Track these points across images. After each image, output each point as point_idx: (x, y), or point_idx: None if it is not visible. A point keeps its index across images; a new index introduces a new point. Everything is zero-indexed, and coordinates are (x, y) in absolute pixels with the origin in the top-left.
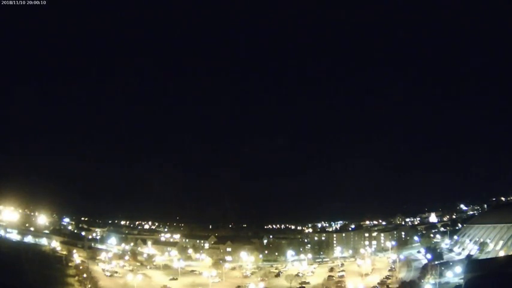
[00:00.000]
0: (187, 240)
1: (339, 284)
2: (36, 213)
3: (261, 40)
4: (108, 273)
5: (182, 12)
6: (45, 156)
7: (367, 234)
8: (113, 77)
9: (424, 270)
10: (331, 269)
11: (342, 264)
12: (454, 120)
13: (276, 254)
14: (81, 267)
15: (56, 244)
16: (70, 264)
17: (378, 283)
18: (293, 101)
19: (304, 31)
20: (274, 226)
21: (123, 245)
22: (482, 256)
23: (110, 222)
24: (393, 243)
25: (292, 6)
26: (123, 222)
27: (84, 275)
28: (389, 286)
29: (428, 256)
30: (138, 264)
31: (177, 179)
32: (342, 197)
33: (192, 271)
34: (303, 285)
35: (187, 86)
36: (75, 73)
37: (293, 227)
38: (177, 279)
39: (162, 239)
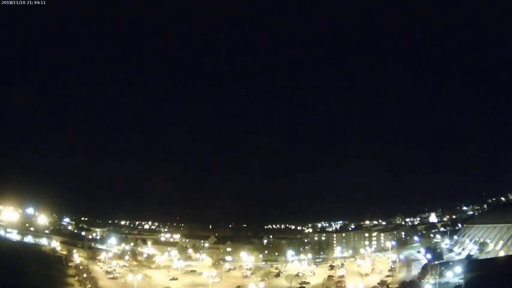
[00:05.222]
0: (187, 240)
1: (339, 284)
2: (36, 213)
3: (263, 41)
4: (108, 274)
5: (184, 12)
6: (45, 156)
7: (367, 234)
8: (113, 76)
9: (424, 270)
10: (331, 269)
11: (342, 264)
12: (454, 121)
13: (276, 254)
14: (81, 267)
15: (56, 244)
16: (70, 264)
17: (378, 283)
18: (293, 101)
19: (305, 32)
20: (274, 226)
21: (123, 245)
22: (482, 256)
23: (110, 222)
24: (393, 243)
25: (292, 7)
26: (123, 222)
27: (84, 275)
28: (389, 286)
29: (428, 256)
30: (138, 264)
31: (177, 179)
32: (342, 197)
33: (192, 271)
34: (303, 285)
35: (188, 85)
36: (75, 72)
37: (293, 227)
38: (177, 279)
39: (162, 239)
